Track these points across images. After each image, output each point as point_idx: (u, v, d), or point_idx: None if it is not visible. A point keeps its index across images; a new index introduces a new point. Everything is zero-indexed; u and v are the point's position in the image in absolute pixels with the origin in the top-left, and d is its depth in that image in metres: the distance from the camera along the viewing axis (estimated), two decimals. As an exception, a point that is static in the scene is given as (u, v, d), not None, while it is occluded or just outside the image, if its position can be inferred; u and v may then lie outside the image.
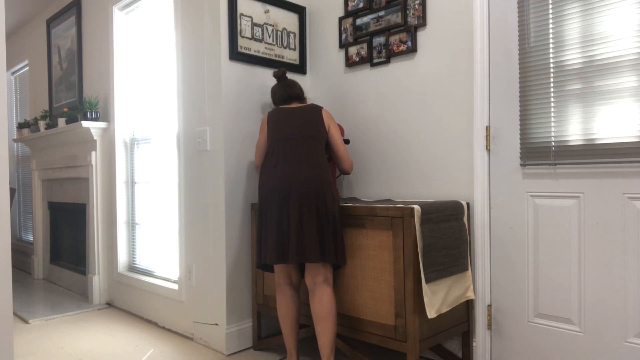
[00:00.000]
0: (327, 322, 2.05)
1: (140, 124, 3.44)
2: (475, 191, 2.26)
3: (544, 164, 2.07)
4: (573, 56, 1.98)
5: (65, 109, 3.82)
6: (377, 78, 2.67)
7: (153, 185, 3.32)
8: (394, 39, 2.56)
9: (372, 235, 2.07)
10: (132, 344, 2.76)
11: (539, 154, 2.08)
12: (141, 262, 3.45)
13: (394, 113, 2.60)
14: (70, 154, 3.99)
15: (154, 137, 3.29)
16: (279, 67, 2.83)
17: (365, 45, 2.70)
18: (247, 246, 2.68)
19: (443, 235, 2.06)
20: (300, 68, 2.98)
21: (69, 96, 4.13)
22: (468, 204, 2.28)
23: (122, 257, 3.52)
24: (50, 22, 4.45)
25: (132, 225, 3.53)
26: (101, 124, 3.58)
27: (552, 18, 2.03)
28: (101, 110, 3.67)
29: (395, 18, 2.55)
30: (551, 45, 2.04)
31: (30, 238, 5.20)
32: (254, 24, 2.71)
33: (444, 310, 2.05)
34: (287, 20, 2.90)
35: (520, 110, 2.14)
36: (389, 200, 2.40)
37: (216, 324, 2.64)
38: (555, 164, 2.04)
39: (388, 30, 2.59)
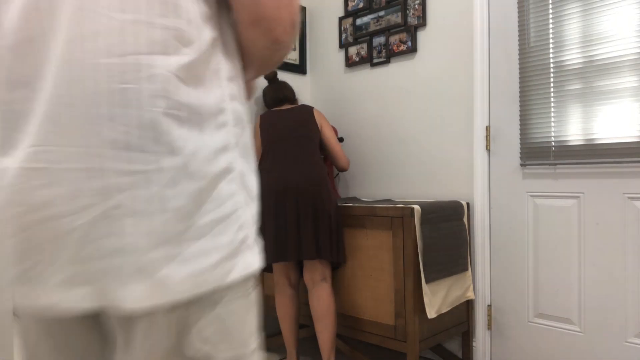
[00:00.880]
0: (326, 320, 2.05)
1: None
2: (475, 191, 2.26)
3: (544, 164, 2.07)
4: (573, 56, 1.98)
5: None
6: (377, 78, 2.67)
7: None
8: (394, 39, 2.56)
9: (372, 235, 2.07)
10: (132, 344, 2.76)
11: (539, 154, 2.08)
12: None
13: (394, 113, 2.60)
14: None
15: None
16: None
17: (365, 45, 2.70)
18: (247, 246, 2.68)
19: (443, 236, 2.06)
20: (300, 68, 2.98)
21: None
22: (468, 204, 2.28)
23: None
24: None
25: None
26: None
27: (552, 18, 2.03)
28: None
29: (395, 18, 2.55)
30: (551, 45, 2.03)
31: (31, 238, 5.20)
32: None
33: (444, 310, 2.05)
34: (287, 20, 2.90)
35: (520, 110, 2.14)
36: (389, 200, 2.40)
37: (216, 324, 2.64)
38: (555, 164, 2.04)
39: (388, 30, 2.59)
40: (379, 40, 2.64)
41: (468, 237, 2.23)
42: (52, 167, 0.56)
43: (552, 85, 2.04)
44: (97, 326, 0.66)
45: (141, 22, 0.57)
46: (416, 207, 1.96)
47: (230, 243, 0.61)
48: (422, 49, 2.47)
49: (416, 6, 2.47)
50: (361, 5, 2.71)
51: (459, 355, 2.35)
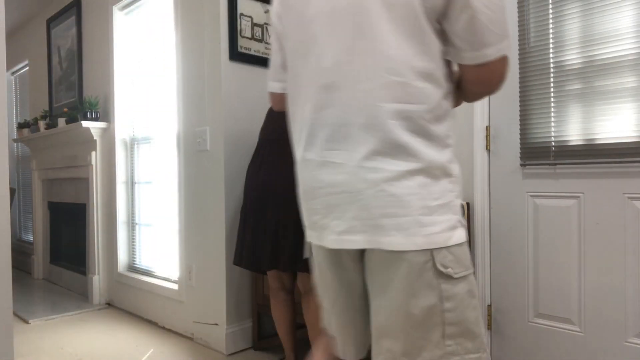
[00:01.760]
0: (317, 329, 2.04)
1: (140, 124, 3.44)
2: (475, 191, 2.26)
3: (544, 164, 2.07)
4: (573, 56, 1.98)
5: (65, 109, 3.82)
6: (377, 78, 2.67)
7: (153, 185, 3.32)
8: (394, 39, 2.56)
9: (372, 235, 2.07)
10: (132, 344, 2.76)
11: (539, 154, 2.08)
12: (141, 262, 3.45)
13: (394, 113, 2.59)
14: (70, 154, 3.99)
15: (154, 137, 3.29)
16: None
17: (365, 45, 2.70)
18: (247, 246, 2.68)
19: (443, 235, 2.06)
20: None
21: (69, 96, 4.13)
22: (468, 204, 2.28)
23: (122, 257, 3.52)
24: (51, 22, 4.45)
25: (132, 225, 3.53)
26: (101, 124, 3.58)
27: (552, 18, 2.03)
28: (101, 110, 3.67)
29: (395, 18, 2.54)
30: (551, 46, 2.03)
31: (30, 238, 5.20)
32: (254, 24, 2.71)
33: (444, 310, 2.04)
34: (287, 20, 2.90)
35: (520, 111, 2.14)
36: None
37: (216, 324, 2.64)
38: (555, 164, 2.04)
39: (388, 30, 2.59)
40: (379, 40, 2.63)
41: (468, 237, 2.23)
42: (334, 162, 0.96)
43: (552, 85, 2.04)
44: (361, 266, 1.02)
45: None
46: (416, 207, 1.96)
47: (449, 220, 0.92)
48: (422, 49, 2.46)
49: (416, 6, 2.47)
50: (361, 5, 2.71)
51: (459, 355, 2.34)
